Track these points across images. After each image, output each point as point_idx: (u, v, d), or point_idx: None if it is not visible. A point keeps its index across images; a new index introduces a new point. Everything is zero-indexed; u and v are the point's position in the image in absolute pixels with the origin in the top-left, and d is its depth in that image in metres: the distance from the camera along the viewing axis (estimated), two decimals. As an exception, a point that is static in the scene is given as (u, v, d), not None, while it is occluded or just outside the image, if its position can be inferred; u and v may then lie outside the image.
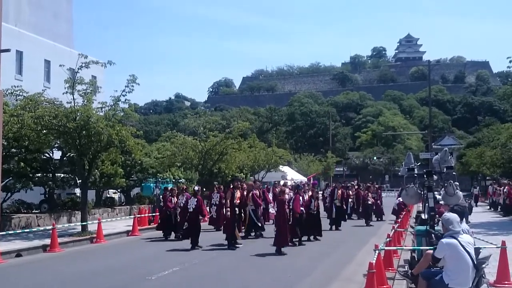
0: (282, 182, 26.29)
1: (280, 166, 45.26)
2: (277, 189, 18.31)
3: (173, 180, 30.68)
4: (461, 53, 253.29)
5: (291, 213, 15.79)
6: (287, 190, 17.20)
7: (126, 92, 18.51)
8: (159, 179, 27.53)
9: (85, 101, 18.04)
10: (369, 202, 24.50)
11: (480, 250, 8.01)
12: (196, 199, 15.75)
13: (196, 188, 16.90)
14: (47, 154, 22.58)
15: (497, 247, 9.89)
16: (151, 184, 26.68)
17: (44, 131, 18.02)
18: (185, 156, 28.11)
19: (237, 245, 15.41)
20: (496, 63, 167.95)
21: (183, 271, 11.78)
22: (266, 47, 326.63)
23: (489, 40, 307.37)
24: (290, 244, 15.09)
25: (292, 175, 50.11)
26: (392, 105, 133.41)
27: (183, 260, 13.09)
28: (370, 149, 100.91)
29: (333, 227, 21.29)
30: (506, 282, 9.32)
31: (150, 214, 23.39)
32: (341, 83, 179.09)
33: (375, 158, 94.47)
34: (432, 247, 7.71)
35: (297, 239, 16.10)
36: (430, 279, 6.99)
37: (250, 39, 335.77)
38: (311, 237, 17.10)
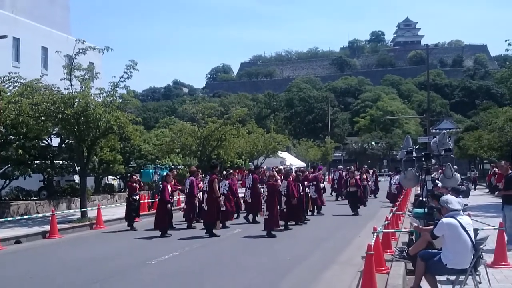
0: (281, 167, 26.28)
1: (279, 151, 45.31)
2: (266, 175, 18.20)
3: (172, 166, 30.71)
4: (459, 37, 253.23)
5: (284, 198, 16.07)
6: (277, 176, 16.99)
7: (125, 78, 18.44)
8: (158, 166, 27.54)
9: (83, 87, 17.98)
10: (352, 190, 21.93)
11: (478, 232, 8.09)
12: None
13: (164, 173, 16.73)
14: (45, 141, 22.57)
15: (494, 229, 9.96)
16: (150, 171, 26.70)
17: (42, 117, 17.96)
18: (183, 142, 28.10)
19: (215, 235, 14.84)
20: (494, 46, 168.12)
21: (182, 255, 11.86)
22: (264, 32, 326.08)
23: (487, 24, 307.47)
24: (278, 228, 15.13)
25: (291, 161, 50.23)
26: (391, 89, 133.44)
27: (183, 245, 13.17)
28: (368, 134, 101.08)
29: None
30: (503, 263, 9.40)
31: (149, 200, 23.43)
32: (340, 68, 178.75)
33: (373, 143, 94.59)
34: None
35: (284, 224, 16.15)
36: (429, 260, 7.04)
37: (247, 25, 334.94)
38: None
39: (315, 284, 8.87)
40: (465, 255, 6.85)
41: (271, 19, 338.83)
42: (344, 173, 28.93)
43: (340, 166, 30.55)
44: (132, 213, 17.26)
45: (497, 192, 21.82)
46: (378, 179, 33.40)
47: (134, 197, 17.50)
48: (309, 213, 20.12)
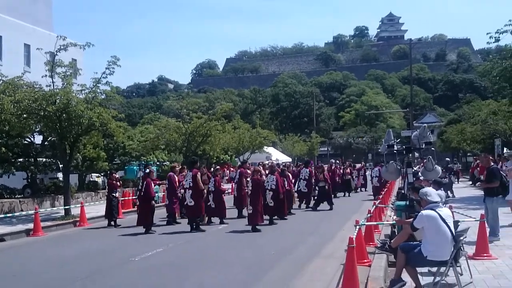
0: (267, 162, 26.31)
1: (265, 147, 45.33)
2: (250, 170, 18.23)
3: (157, 163, 30.62)
4: (443, 31, 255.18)
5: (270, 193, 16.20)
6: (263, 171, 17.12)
7: (107, 74, 18.34)
8: (143, 162, 27.44)
9: (65, 84, 17.83)
10: (321, 185, 21.16)
11: (459, 224, 8.17)
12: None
13: (147, 170, 16.45)
14: (28, 139, 22.37)
15: (476, 221, 10.05)
16: (135, 167, 26.59)
17: (24, 115, 17.79)
18: (168, 138, 28.01)
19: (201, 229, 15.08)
20: (478, 40, 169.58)
21: (166, 251, 11.83)
22: (249, 27, 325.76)
23: (470, 18, 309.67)
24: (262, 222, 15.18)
25: (277, 156, 50.28)
26: (375, 84, 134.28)
27: (167, 242, 13.14)
28: (353, 129, 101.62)
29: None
30: (485, 255, 9.48)
31: (134, 197, 23.33)
32: (325, 63, 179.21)
33: (364, 138, 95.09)
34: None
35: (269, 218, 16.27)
36: (409, 252, 7.09)
37: (232, 20, 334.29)
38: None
39: (298, 277, 8.91)
40: (445, 247, 6.90)
41: (256, 15, 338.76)
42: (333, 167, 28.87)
43: (332, 160, 30.54)
44: (113, 210, 17.17)
45: (479, 183, 22.10)
46: (366, 173, 33.55)
47: (114, 194, 17.40)
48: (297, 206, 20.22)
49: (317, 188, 21.50)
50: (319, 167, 22.85)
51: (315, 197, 21.27)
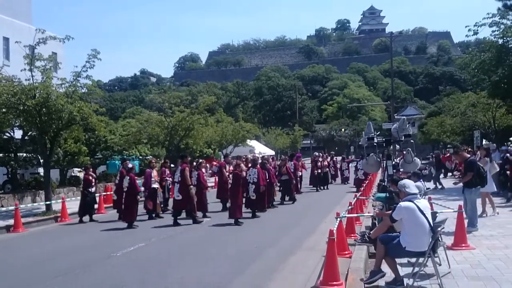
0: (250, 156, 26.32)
1: (248, 140, 45.34)
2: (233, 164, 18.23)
3: (140, 157, 30.46)
4: (423, 24, 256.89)
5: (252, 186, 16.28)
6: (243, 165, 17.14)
7: (87, 68, 18.16)
8: (125, 156, 27.27)
9: (44, 77, 17.63)
10: (284, 178, 20.88)
11: (437, 215, 8.29)
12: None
13: (130, 165, 16.33)
14: (8, 134, 22.10)
15: (454, 211, 10.20)
16: (117, 162, 26.42)
17: (4, 110, 17.56)
18: (150, 132, 27.87)
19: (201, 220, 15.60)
20: (457, 33, 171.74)
21: (148, 246, 11.81)
22: (232, 20, 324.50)
23: (451, 11, 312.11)
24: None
25: (260, 149, 50.35)
26: (357, 77, 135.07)
27: (150, 236, 13.12)
28: (336, 121, 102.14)
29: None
30: (463, 245, 9.64)
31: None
32: (307, 56, 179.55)
33: (342, 130, 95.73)
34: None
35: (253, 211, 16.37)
36: (388, 243, 7.18)
37: (215, 13, 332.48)
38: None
39: (280, 270, 8.98)
40: (423, 238, 6.99)
41: (238, 7, 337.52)
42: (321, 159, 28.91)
43: (316, 153, 30.64)
44: (86, 206, 16.99)
45: (455, 174, 22.32)
46: (349, 165, 33.65)
47: (90, 190, 17.21)
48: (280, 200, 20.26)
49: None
50: (282, 160, 22.67)
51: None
